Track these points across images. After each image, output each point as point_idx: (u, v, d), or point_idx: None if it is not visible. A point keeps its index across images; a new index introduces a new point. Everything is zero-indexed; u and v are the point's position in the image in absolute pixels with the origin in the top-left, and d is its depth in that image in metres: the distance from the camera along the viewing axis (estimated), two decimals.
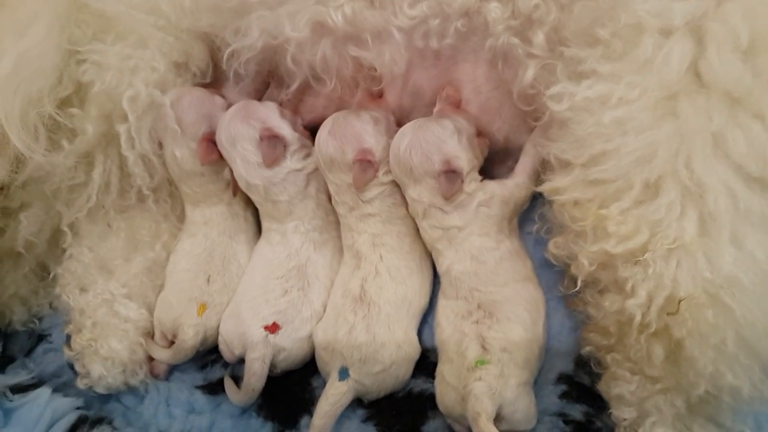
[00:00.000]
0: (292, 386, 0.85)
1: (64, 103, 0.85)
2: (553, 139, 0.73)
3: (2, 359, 0.88)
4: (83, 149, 0.85)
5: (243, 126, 0.85)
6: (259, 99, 0.94)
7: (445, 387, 0.76)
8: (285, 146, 0.86)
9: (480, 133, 0.85)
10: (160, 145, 0.87)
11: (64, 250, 0.89)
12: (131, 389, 0.87)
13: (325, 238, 0.88)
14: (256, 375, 0.80)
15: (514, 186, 0.82)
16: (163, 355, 0.86)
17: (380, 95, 0.89)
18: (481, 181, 0.82)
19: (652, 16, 0.68)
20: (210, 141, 0.86)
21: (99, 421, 0.84)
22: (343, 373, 0.79)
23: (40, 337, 0.92)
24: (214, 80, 0.93)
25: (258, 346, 0.80)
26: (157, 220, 0.91)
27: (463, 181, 0.80)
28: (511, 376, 0.72)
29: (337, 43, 0.85)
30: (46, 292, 0.92)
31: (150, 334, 0.88)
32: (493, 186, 0.82)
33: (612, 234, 0.68)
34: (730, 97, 0.65)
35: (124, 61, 0.84)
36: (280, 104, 0.91)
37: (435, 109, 0.86)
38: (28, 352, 0.91)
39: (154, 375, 0.88)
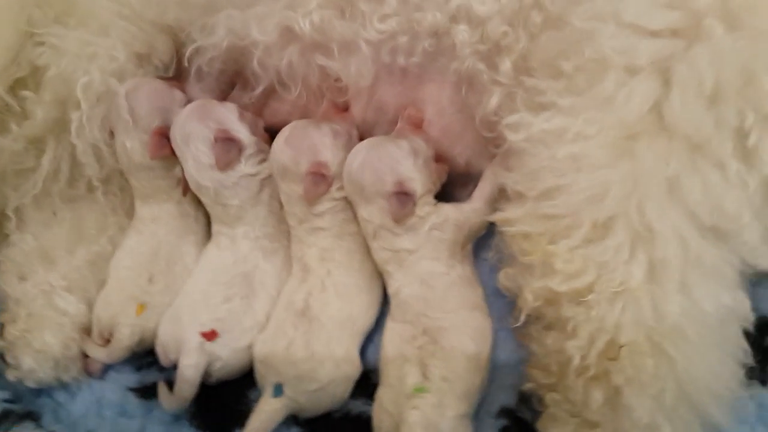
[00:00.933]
0: (228, 396, 0.82)
1: (17, 85, 0.83)
2: (509, 168, 0.71)
3: None
4: (33, 134, 0.83)
5: (198, 125, 0.82)
6: (223, 99, 0.91)
7: (382, 412, 0.74)
8: (240, 150, 0.83)
9: (440, 158, 0.84)
10: (112, 134, 0.85)
11: (6, 236, 0.86)
12: (63, 386, 0.84)
13: (276, 246, 0.86)
14: (187, 382, 0.77)
15: (470, 211, 0.80)
16: (98, 354, 0.83)
17: (346, 108, 0.87)
18: (436, 204, 0.80)
19: (618, 53, 0.66)
20: (162, 135, 0.83)
21: (25, 416, 0.82)
22: (278, 390, 0.77)
23: None
24: (177, 75, 0.90)
25: (192, 352, 0.78)
26: (105, 213, 0.89)
27: (415, 204, 0.78)
28: (448, 407, 0.70)
29: (305, 50, 0.83)
30: None
31: (88, 331, 0.85)
32: (447, 210, 0.80)
33: (558, 271, 0.66)
34: (690, 143, 0.64)
35: (83, 48, 0.82)
36: (244, 106, 0.89)
37: (396, 128, 0.83)
38: None
39: (89, 373, 0.85)
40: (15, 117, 0.81)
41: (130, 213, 0.90)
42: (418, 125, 0.84)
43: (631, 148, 0.65)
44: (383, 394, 0.75)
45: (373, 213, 0.78)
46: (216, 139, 0.82)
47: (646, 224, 0.64)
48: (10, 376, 0.82)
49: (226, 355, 0.80)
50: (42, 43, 0.82)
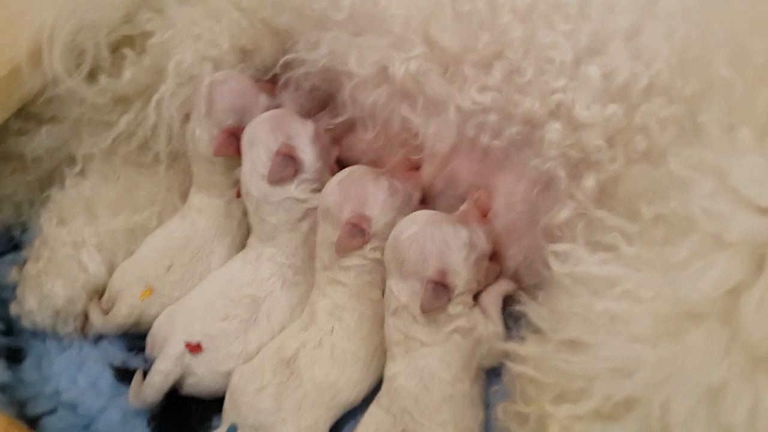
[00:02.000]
0: (193, 414, 0.78)
1: (122, 42, 0.83)
2: (539, 298, 0.61)
3: None
4: (120, 92, 0.83)
5: (267, 133, 0.79)
6: (309, 117, 0.87)
7: None
8: (297, 171, 0.79)
9: (493, 257, 0.74)
10: (188, 117, 0.83)
11: (63, 180, 0.87)
12: (57, 337, 0.84)
13: (298, 280, 0.80)
14: (152, 387, 0.74)
15: (500, 325, 0.70)
16: (95, 319, 0.82)
17: (418, 168, 0.80)
18: (472, 307, 0.71)
19: (708, 217, 0.54)
20: (232, 134, 0.81)
21: (13, 353, 0.83)
22: (231, 430, 0.71)
23: (16, 247, 0.92)
24: (274, 81, 0.87)
25: (169, 359, 0.74)
26: (160, 188, 0.88)
27: (450, 300, 0.69)
28: None
29: (393, 95, 0.77)
30: (40, 209, 0.91)
31: (99, 294, 0.84)
32: (478, 318, 0.71)
33: None
34: (755, 354, 0.51)
35: (190, 26, 0.82)
36: (327, 130, 0.84)
37: (461, 208, 0.75)
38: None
39: (84, 333, 0.84)
40: (107, 71, 0.82)
41: (185, 196, 0.88)
42: (484, 212, 0.75)
43: (682, 331, 0.53)
44: None
45: (402, 290, 0.70)
46: (277, 153, 0.78)
47: (666, 426, 0.51)
48: (12, 309, 0.82)
49: (202, 374, 0.75)
50: (156, 10, 0.82)
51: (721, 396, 0.51)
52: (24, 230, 0.91)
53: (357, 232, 0.73)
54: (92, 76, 0.82)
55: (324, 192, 0.76)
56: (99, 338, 0.84)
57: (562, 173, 0.67)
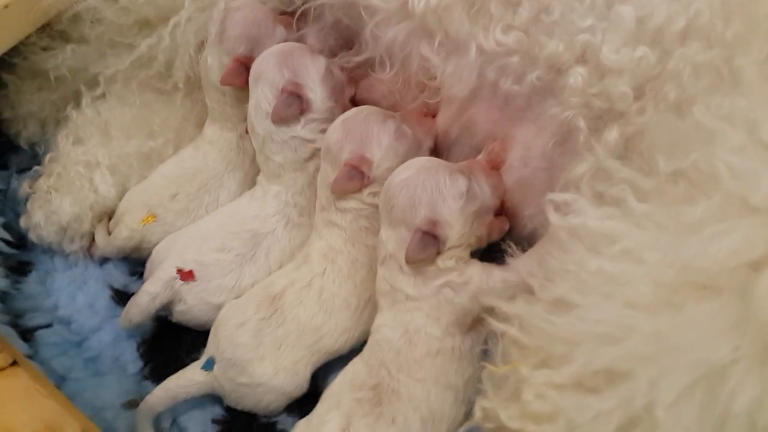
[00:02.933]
0: (182, 344, 0.75)
1: None
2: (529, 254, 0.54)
3: None
4: (142, 14, 0.79)
5: (273, 68, 0.73)
6: (333, 55, 0.81)
7: None
8: (302, 110, 0.73)
9: (501, 211, 0.67)
10: (203, 45, 0.79)
11: (79, 101, 0.84)
12: (65, 255, 0.82)
13: (303, 221, 0.75)
14: (138, 307, 0.71)
15: (499, 280, 0.63)
16: (98, 239, 0.80)
17: (434, 115, 0.73)
18: (466, 262, 0.64)
19: (733, 176, 0.46)
20: (242, 64, 0.75)
21: (21, 265, 0.81)
22: (208, 363, 0.67)
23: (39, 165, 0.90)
24: (303, 14, 0.81)
25: (158, 282, 0.71)
26: (176, 117, 0.84)
27: (439, 253, 0.62)
28: None
29: (413, 31, 0.70)
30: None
31: (109, 216, 0.82)
32: (474, 271, 0.64)
33: (522, 403, 0.49)
34: (765, 338, 0.42)
35: None
36: (347, 69, 0.78)
37: (472, 159, 0.68)
38: (20, 171, 0.89)
39: (90, 253, 0.82)
40: None
41: (201, 126, 0.84)
42: (496, 166, 0.68)
43: (685, 302, 0.45)
44: (298, 427, 0.62)
45: (391, 238, 0.64)
46: (283, 90, 0.73)
47: (651, 406, 0.44)
48: (21, 222, 0.81)
49: (192, 302, 0.72)
50: None
51: (722, 380, 0.43)
52: (48, 149, 0.90)
53: (355, 175, 0.68)
54: None
55: (328, 130, 0.70)
56: (105, 260, 0.82)
57: (582, 124, 0.59)
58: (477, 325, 0.65)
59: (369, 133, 0.68)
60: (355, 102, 0.78)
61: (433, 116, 0.73)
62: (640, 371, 0.45)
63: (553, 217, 0.52)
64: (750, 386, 0.42)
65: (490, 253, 0.66)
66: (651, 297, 0.46)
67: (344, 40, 0.81)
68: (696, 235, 0.46)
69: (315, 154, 0.74)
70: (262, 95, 0.73)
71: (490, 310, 0.54)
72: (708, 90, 0.51)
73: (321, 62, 0.75)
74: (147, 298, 0.70)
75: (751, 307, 0.43)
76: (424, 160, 0.66)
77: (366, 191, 0.68)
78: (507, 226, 0.68)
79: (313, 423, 0.61)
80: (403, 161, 0.68)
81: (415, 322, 0.63)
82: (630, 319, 0.46)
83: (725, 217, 0.46)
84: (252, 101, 0.74)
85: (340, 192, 0.68)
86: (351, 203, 0.69)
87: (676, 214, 0.48)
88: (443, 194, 0.63)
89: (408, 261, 0.62)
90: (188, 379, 0.67)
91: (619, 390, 0.45)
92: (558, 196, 0.52)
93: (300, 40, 0.80)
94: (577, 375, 0.47)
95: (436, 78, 0.69)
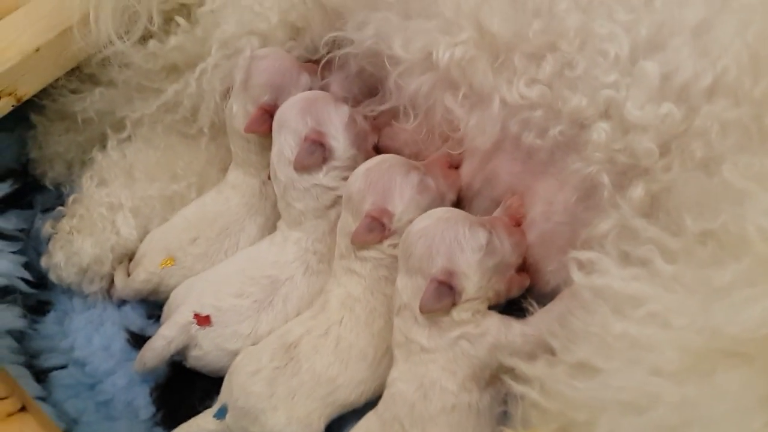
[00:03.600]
0: (196, 391, 0.73)
1: (176, 10, 0.80)
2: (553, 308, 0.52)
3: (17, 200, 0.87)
4: (169, 59, 0.80)
5: (297, 116, 0.72)
6: (357, 103, 0.80)
7: None
8: (325, 158, 0.72)
9: (523, 268, 0.65)
10: (228, 92, 0.79)
11: (105, 143, 0.84)
12: (84, 296, 0.81)
13: (322, 269, 0.74)
14: (153, 351, 0.69)
15: (519, 335, 0.61)
16: (117, 281, 0.79)
17: (458, 166, 0.72)
18: (484, 316, 0.62)
19: (763, 238, 0.44)
20: (267, 112, 0.75)
21: (40, 304, 0.81)
22: (221, 412, 0.65)
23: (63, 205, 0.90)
24: (326, 63, 0.81)
25: (174, 326, 0.70)
26: (200, 161, 0.84)
27: (454, 305, 0.61)
28: None
29: (437, 83, 0.69)
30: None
31: (129, 257, 0.81)
32: (492, 323, 0.62)
33: None
34: None
35: None
36: (370, 117, 0.78)
37: (492, 214, 0.67)
38: (45, 210, 0.89)
39: (109, 295, 0.81)
40: (158, 37, 0.79)
41: (225, 172, 0.84)
42: (517, 221, 0.66)
43: (715, 371, 0.43)
44: None
45: (407, 287, 0.63)
46: (306, 138, 0.72)
47: None
48: (42, 262, 0.80)
49: (207, 348, 0.70)
50: None
51: None
52: (73, 190, 0.89)
53: (376, 227, 0.66)
54: (144, 41, 0.79)
55: (350, 178, 0.69)
56: (123, 302, 0.81)
57: (605, 179, 0.57)
58: (496, 382, 0.62)
59: (392, 184, 0.67)
60: (378, 150, 0.77)
61: (457, 167, 0.72)
62: None
63: (577, 276, 0.50)
64: None
65: (511, 311, 0.64)
66: (678, 364, 0.44)
67: (368, 88, 0.80)
68: (725, 300, 0.44)
69: (336, 201, 0.73)
70: (285, 143, 0.72)
71: (510, 371, 0.52)
72: (736, 148, 0.49)
73: (344, 110, 0.74)
74: (162, 342, 0.69)
75: None
76: (445, 210, 0.64)
77: (386, 242, 0.67)
78: (527, 283, 0.65)
79: None
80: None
81: (430, 375, 0.61)
82: (656, 387, 0.43)
83: (756, 281, 0.44)
84: (275, 149, 0.74)
85: (360, 243, 0.67)
86: (371, 253, 0.68)
87: (705, 277, 0.45)
88: (462, 245, 0.61)
89: (422, 310, 0.60)
90: (200, 427, 0.65)
91: None
92: (582, 254, 0.50)
93: (324, 88, 0.79)
94: None
95: (459, 129, 0.68)
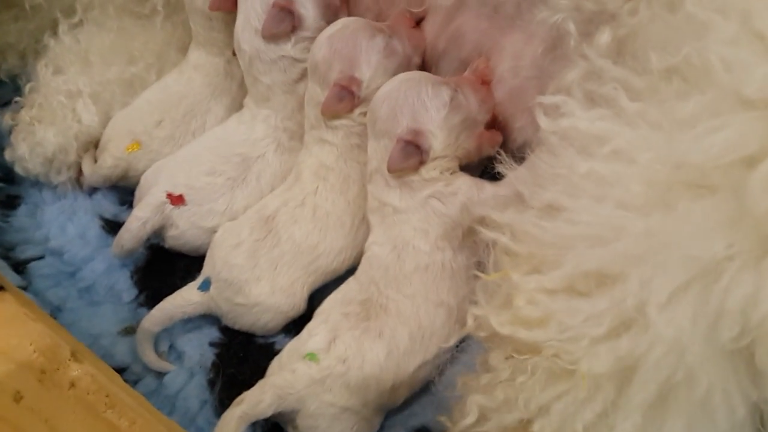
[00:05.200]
0: (177, 270, 0.73)
1: None
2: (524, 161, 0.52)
3: None
4: None
5: None
6: None
7: (277, 357, 0.61)
8: (294, 27, 0.70)
9: (494, 125, 0.65)
10: None
11: (56, 29, 0.81)
12: (53, 187, 0.80)
13: (294, 146, 0.73)
14: (129, 233, 0.69)
15: (491, 196, 0.61)
16: (85, 169, 0.78)
17: (420, 22, 0.70)
18: (453, 173, 0.62)
19: (726, 68, 0.44)
20: None
21: (10, 199, 0.79)
22: (205, 284, 0.66)
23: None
24: None
25: (148, 207, 0.69)
26: (156, 41, 0.81)
27: (422, 162, 0.61)
28: (328, 391, 0.56)
29: None
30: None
31: (95, 144, 0.80)
32: (463, 183, 0.62)
33: (514, 308, 0.48)
34: (759, 234, 0.41)
35: None
36: None
37: (459, 76, 0.65)
38: (3, 105, 0.86)
39: (78, 184, 0.80)
40: None
41: (185, 52, 0.81)
42: (485, 81, 0.65)
43: (678, 201, 0.44)
44: (290, 343, 0.62)
45: (376, 151, 0.63)
46: (274, 5, 0.69)
47: (642, 306, 0.43)
48: (6, 155, 0.79)
49: (183, 226, 0.71)
50: None
51: (715, 277, 0.42)
52: (29, 80, 0.86)
53: (345, 95, 0.65)
54: None
55: (313, 46, 0.67)
56: (94, 191, 0.81)
57: (572, 27, 0.56)
58: (470, 242, 0.63)
59: (357, 50, 0.65)
60: None
61: (419, 23, 0.70)
62: (632, 272, 0.43)
63: (543, 121, 0.50)
64: (744, 282, 0.41)
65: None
66: (643, 197, 0.45)
67: None
68: (689, 131, 0.44)
69: (304, 74, 0.71)
70: (252, 10, 0.70)
71: (481, 220, 0.52)
72: None
73: None
74: (137, 223, 0.69)
75: (746, 203, 0.42)
76: (408, 73, 0.63)
77: (357, 110, 0.66)
78: (500, 139, 0.66)
79: (303, 337, 0.61)
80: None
81: (403, 235, 0.62)
82: (621, 219, 0.44)
83: (719, 111, 0.44)
84: (240, 17, 0.71)
85: (330, 113, 0.66)
86: (342, 121, 0.67)
87: (669, 111, 0.45)
88: (425, 104, 0.61)
89: (390, 170, 0.60)
90: (184, 299, 0.66)
91: (610, 292, 0.44)
92: (548, 99, 0.50)
93: None
94: (567, 279, 0.46)
95: None
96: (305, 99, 0.69)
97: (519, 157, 0.60)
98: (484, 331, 0.49)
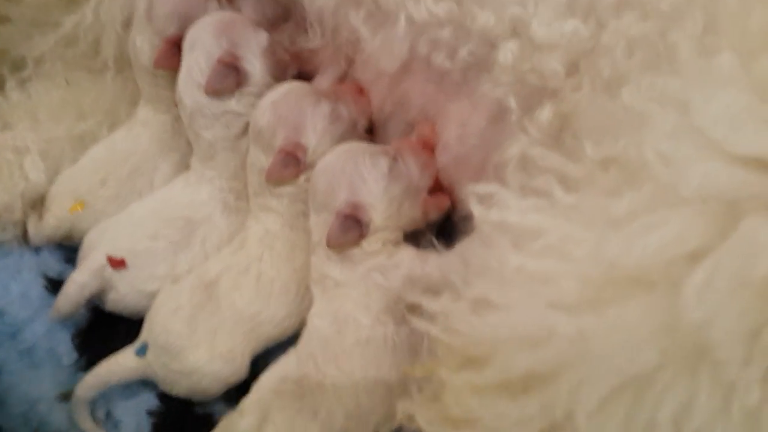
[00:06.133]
0: (119, 333, 0.69)
1: None
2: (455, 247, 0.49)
3: None
4: None
5: (210, 37, 0.66)
6: (273, 27, 0.74)
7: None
8: (239, 83, 0.67)
9: (439, 189, 0.62)
10: (130, 23, 0.72)
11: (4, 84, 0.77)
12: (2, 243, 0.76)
13: (241, 206, 0.70)
14: (67, 297, 0.65)
15: (435, 268, 0.58)
16: (30, 228, 0.74)
17: (364, 90, 0.67)
18: (396, 245, 0.59)
19: (663, 164, 0.41)
20: (175, 45, 0.69)
21: None
22: (142, 349, 0.63)
23: None
24: None
25: (87, 270, 0.66)
26: (107, 97, 0.77)
27: (362, 236, 0.58)
28: None
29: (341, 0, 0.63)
30: None
31: (41, 202, 0.76)
32: (405, 255, 0.59)
33: (440, 404, 0.44)
34: (694, 340, 0.38)
35: None
36: (288, 48, 0.72)
37: (400, 141, 0.63)
38: None
39: (26, 240, 0.76)
40: None
41: (136, 106, 0.77)
42: (429, 146, 0.62)
43: (612, 301, 0.41)
44: (223, 420, 0.58)
45: (317, 224, 0.60)
46: (219, 60, 0.66)
47: (571, 413, 0.39)
48: None
49: (124, 290, 0.67)
50: None
51: (647, 386, 0.38)
52: None
53: (291, 161, 0.62)
54: None
55: (256, 112, 0.64)
56: (41, 247, 0.76)
57: (512, 103, 0.53)
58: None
59: (303, 116, 0.62)
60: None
61: (363, 91, 0.67)
62: (562, 376, 0.40)
63: (477, 210, 0.46)
64: (677, 392, 0.38)
65: None
66: (576, 296, 0.41)
67: (283, 10, 0.74)
68: (623, 228, 0.41)
69: (247, 129, 0.68)
70: (195, 64, 0.67)
71: (414, 308, 0.49)
72: (642, 67, 0.46)
73: (263, 36, 0.68)
74: (76, 287, 0.65)
75: (680, 306, 0.38)
76: (347, 144, 0.61)
77: (302, 177, 0.63)
78: (447, 203, 0.63)
79: (234, 416, 0.57)
80: (338, 143, 0.63)
81: (344, 309, 0.59)
82: (552, 320, 0.41)
83: (654, 208, 0.41)
84: (183, 70, 0.68)
85: (275, 180, 0.63)
86: (287, 188, 0.64)
87: (605, 205, 0.42)
88: (363, 176, 0.58)
89: (329, 245, 0.58)
90: (120, 365, 0.63)
91: (539, 396, 0.41)
92: (481, 188, 0.47)
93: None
94: (497, 379, 0.43)
95: (365, 51, 0.63)
96: (247, 165, 0.66)
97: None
98: (413, 425, 0.46)
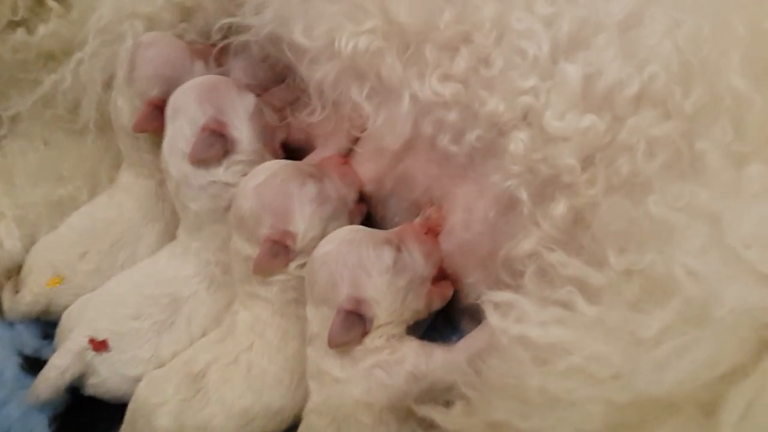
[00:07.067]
0: (98, 419, 0.65)
1: None
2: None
3: None
4: (44, 48, 0.68)
5: (193, 104, 0.63)
6: (266, 89, 0.71)
7: None
8: (226, 151, 0.63)
9: (443, 277, 0.59)
10: (111, 83, 0.68)
11: None
12: None
13: (228, 280, 0.66)
14: (46, 383, 0.61)
15: (441, 364, 0.55)
16: (4, 301, 0.69)
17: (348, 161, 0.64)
18: (400, 340, 0.56)
19: (693, 281, 0.38)
20: (157, 107, 0.65)
21: None
22: None
23: None
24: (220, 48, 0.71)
25: (67, 354, 0.62)
26: (87, 160, 0.73)
27: (366, 333, 0.54)
28: None
29: (343, 73, 0.60)
30: None
31: (17, 272, 0.71)
32: (409, 350, 0.56)
33: None
34: None
35: None
36: (277, 109, 0.69)
37: (404, 225, 0.60)
38: None
39: (0, 313, 0.71)
40: (30, 22, 0.67)
41: (118, 169, 0.74)
42: (435, 231, 0.59)
43: (637, 426, 0.38)
44: None
45: (315, 317, 0.56)
46: (203, 128, 0.63)
47: None
48: None
49: (106, 375, 0.63)
50: None
51: None
52: None
53: (279, 251, 0.59)
54: (12, 29, 0.67)
55: (238, 196, 0.61)
56: (17, 321, 0.72)
57: (524, 195, 0.51)
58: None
59: (289, 202, 0.59)
60: (284, 144, 0.69)
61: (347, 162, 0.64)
62: None
63: (494, 319, 0.44)
64: None
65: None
66: (602, 420, 0.39)
67: (276, 74, 0.71)
68: (652, 350, 0.38)
69: None
70: (180, 133, 0.63)
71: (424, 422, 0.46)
72: (664, 169, 0.43)
73: (250, 99, 0.65)
74: (56, 372, 0.61)
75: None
76: (347, 231, 0.57)
77: (292, 264, 0.59)
78: (450, 292, 0.59)
79: None
80: (330, 223, 0.60)
81: (345, 408, 0.55)
82: None
83: (684, 328, 0.38)
84: (167, 139, 0.64)
85: (264, 272, 0.59)
86: (276, 276, 0.60)
87: (629, 319, 0.40)
88: (367, 269, 0.55)
89: (331, 345, 0.54)
90: None
91: None
92: (497, 296, 0.44)
93: (224, 74, 0.69)
94: None
95: (366, 127, 0.60)
96: (231, 251, 0.62)
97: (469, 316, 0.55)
98: None
